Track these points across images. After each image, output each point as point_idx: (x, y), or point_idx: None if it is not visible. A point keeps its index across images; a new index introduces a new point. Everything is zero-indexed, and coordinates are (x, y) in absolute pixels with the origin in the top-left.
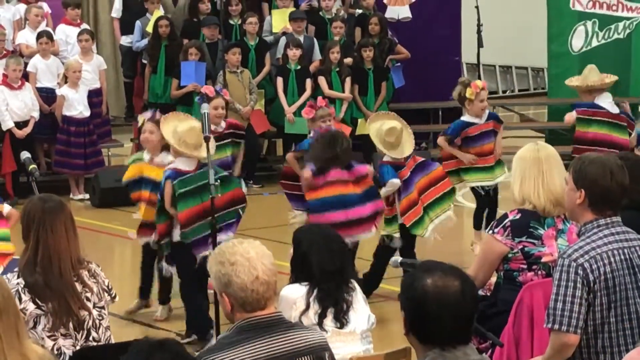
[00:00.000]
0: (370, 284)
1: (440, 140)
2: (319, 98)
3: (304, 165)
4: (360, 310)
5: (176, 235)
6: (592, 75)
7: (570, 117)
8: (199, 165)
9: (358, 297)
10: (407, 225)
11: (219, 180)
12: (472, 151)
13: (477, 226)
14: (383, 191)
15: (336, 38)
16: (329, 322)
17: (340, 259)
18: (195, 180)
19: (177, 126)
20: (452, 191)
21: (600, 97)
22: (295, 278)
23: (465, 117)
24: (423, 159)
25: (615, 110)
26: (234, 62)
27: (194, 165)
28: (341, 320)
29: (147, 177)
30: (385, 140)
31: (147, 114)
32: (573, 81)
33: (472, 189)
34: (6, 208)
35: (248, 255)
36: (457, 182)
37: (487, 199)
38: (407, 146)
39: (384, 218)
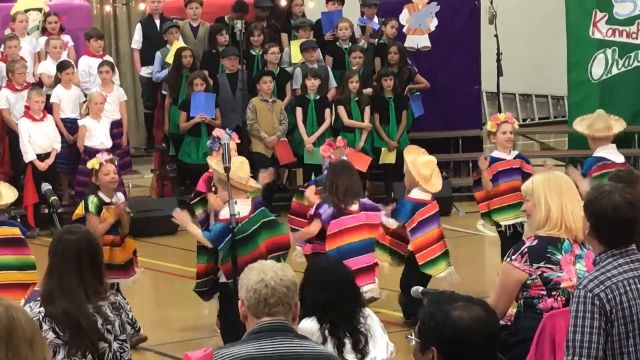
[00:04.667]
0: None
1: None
2: (339, 138)
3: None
4: (379, 339)
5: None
6: (598, 123)
7: (585, 187)
8: (252, 208)
9: (375, 325)
10: (420, 264)
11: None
12: (500, 187)
13: None
14: (390, 222)
15: (354, 68)
16: (348, 353)
17: (337, 291)
18: (249, 226)
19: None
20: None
21: (603, 147)
22: (303, 312)
23: (494, 153)
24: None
25: (618, 159)
26: (266, 90)
27: (250, 208)
28: (362, 352)
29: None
30: (420, 172)
31: (103, 156)
32: (578, 126)
33: (499, 230)
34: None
35: (264, 263)
36: (491, 223)
37: (511, 239)
38: (437, 182)
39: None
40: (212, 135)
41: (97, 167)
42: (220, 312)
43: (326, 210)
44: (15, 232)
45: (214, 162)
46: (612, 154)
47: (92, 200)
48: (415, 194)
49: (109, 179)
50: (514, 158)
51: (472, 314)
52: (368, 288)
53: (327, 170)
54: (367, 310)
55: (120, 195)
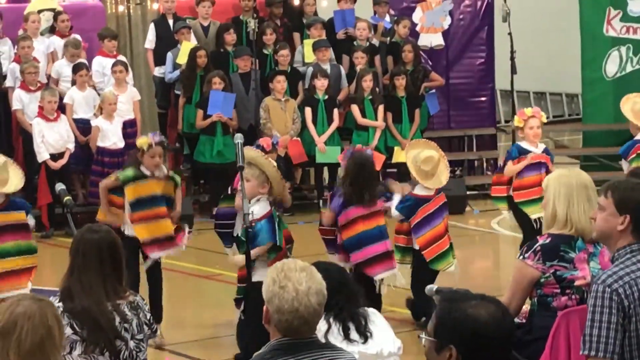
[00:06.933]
0: (420, 310)
1: (506, 168)
2: (358, 146)
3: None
4: (386, 332)
5: (261, 276)
6: None
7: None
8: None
9: (379, 319)
10: (428, 260)
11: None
12: (524, 181)
13: None
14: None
15: (359, 67)
16: (354, 335)
17: (336, 279)
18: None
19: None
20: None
21: None
22: None
23: (522, 144)
24: (445, 200)
25: None
26: (279, 89)
27: (269, 209)
28: (365, 334)
29: (155, 194)
30: (421, 168)
31: (155, 137)
32: (625, 106)
33: (527, 221)
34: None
35: (299, 287)
36: (506, 209)
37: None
38: (443, 177)
39: (398, 247)
40: (259, 143)
41: (145, 148)
42: (244, 313)
43: (336, 201)
44: (21, 217)
45: (264, 160)
46: None
47: (126, 171)
48: (419, 190)
49: (153, 163)
50: (542, 152)
51: (489, 311)
52: (387, 274)
53: (345, 160)
54: (370, 309)
55: (163, 168)
